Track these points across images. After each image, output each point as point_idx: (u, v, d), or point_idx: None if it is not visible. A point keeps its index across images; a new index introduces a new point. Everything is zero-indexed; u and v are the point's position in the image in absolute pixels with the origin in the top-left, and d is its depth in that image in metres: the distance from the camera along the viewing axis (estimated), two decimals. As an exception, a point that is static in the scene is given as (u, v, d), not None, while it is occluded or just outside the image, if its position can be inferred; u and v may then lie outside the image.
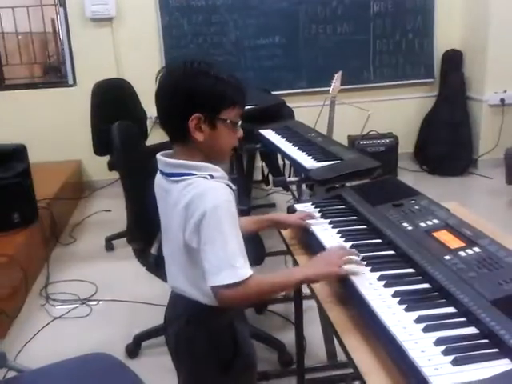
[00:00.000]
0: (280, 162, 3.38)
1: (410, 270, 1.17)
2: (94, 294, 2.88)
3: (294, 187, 2.97)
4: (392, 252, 1.27)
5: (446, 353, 0.88)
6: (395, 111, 4.69)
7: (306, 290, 1.43)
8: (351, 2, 4.47)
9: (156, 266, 2.04)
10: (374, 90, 4.66)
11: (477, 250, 1.16)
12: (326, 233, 1.44)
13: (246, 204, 3.21)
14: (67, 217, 3.99)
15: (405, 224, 1.35)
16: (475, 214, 1.68)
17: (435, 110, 4.68)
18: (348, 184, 1.85)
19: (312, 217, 1.53)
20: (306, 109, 4.24)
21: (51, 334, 2.55)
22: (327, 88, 3.37)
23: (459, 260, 1.13)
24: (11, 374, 2.09)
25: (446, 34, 4.59)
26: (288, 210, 1.68)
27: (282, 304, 2.65)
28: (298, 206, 1.66)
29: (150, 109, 4.26)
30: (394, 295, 1.07)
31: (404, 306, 1.03)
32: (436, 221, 1.33)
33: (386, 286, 1.11)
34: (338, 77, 3.31)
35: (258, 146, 2.86)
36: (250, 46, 4.53)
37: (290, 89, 4.55)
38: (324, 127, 3.30)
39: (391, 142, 4.48)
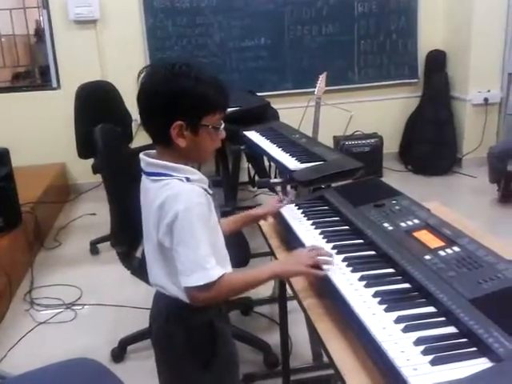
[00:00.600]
0: (266, 163, 3.38)
1: (391, 270, 1.17)
2: (79, 298, 2.85)
3: (279, 188, 2.97)
4: (373, 252, 1.28)
5: (425, 352, 0.89)
6: (380, 111, 4.71)
7: (290, 291, 1.44)
8: (336, 3, 4.48)
9: (140, 270, 2.03)
10: (359, 90, 4.68)
11: (456, 249, 1.17)
12: (309, 234, 1.45)
13: (231, 205, 3.21)
14: (52, 220, 3.95)
15: (386, 224, 1.36)
16: (457, 213, 1.69)
17: (419, 109, 4.71)
18: (334, 185, 1.86)
19: (285, 197, 1.62)
20: (291, 110, 4.24)
21: (36, 340, 2.52)
22: (312, 89, 3.37)
23: (439, 259, 1.14)
24: (-6, 380, 2.06)
25: (430, 35, 4.63)
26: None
27: (268, 305, 2.65)
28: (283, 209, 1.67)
29: (135, 111, 4.23)
30: (375, 295, 1.07)
31: (384, 306, 1.03)
32: (416, 221, 1.34)
33: (366, 286, 1.11)
34: (322, 78, 3.31)
35: (242, 147, 2.86)
36: (235, 48, 4.52)
37: (275, 90, 4.55)
38: (309, 128, 3.31)
39: (376, 142, 4.51)
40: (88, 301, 2.82)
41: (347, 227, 1.46)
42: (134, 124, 3.92)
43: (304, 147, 2.26)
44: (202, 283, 1.12)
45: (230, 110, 1.29)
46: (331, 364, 1.04)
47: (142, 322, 2.23)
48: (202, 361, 1.27)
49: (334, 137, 4.60)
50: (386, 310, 1.01)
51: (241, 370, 1.48)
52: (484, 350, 0.88)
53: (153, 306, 1.36)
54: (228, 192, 3.45)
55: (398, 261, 1.17)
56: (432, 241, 1.22)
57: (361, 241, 1.35)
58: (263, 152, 2.43)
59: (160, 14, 4.38)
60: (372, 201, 1.52)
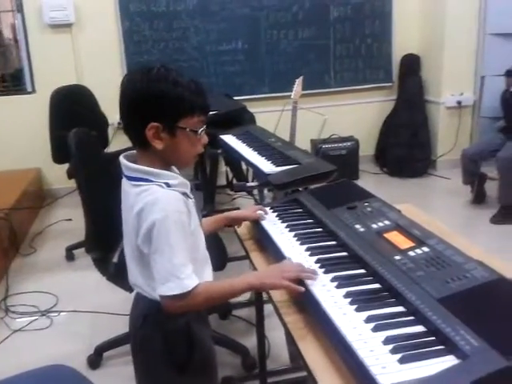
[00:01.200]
0: (244, 167, 3.39)
1: (362, 271, 1.19)
2: (55, 305, 2.81)
3: (256, 192, 2.98)
4: (345, 254, 1.30)
5: (393, 351, 0.91)
6: (356, 115, 4.77)
7: (266, 295, 1.45)
8: (311, 8, 4.52)
9: (116, 276, 2.02)
10: (335, 94, 4.73)
11: (425, 249, 1.19)
12: (283, 236, 1.46)
13: (209, 209, 3.22)
14: (27, 227, 3.89)
15: (357, 226, 1.38)
16: (428, 214, 1.72)
17: (394, 113, 4.78)
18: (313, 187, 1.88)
19: (264, 210, 1.60)
20: (268, 114, 4.27)
21: (11, 347, 2.48)
22: (289, 93, 3.40)
23: (408, 260, 1.16)
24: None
25: (404, 39, 4.71)
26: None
27: (247, 309, 2.65)
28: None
29: (112, 115, 4.21)
30: (346, 296, 1.09)
31: (355, 306, 1.05)
32: (387, 222, 1.36)
33: (338, 287, 1.13)
34: (299, 82, 3.34)
35: (219, 151, 2.87)
36: (212, 52, 4.53)
37: (252, 94, 4.57)
38: (286, 132, 3.34)
39: (352, 145, 4.56)
40: (64, 307, 2.79)
41: (320, 229, 1.47)
42: (110, 128, 3.90)
43: (279, 151, 2.28)
44: (175, 293, 1.12)
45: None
46: (304, 365, 1.05)
47: (118, 328, 2.22)
48: (179, 364, 1.27)
49: (312, 140, 4.64)
50: (357, 310, 1.03)
51: (219, 374, 1.48)
52: (451, 348, 0.90)
53: (132, 308, 1.36)
54: (206, 195, 3.45)
55: (368, 262, 1.19)
56: (402, 241, 1.24)
57: (333, 242, 1.37)
58: (239, 156, 2.44)
59: (136, 18, 4.36)
60: (345, 203, 1.54)
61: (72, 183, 3.58)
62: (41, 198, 4.46)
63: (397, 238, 1.27)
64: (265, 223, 1.56)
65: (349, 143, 4.56)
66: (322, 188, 1.82)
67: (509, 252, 3.15)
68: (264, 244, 1.52)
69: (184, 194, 1.21)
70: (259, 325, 1.98)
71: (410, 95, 4.68)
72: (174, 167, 1.26)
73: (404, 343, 0.92)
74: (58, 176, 4.15)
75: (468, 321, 0.92)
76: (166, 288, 1.13)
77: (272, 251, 1.43)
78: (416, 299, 1.01)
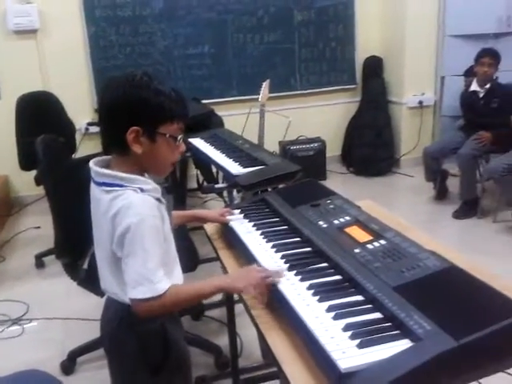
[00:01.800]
0: (214, 169, 3.42)
1: (324, 265, 1.26)
2: (26, 313, 2.79)
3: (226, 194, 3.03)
4: (309, 249, 1.36)
5: (352, 337, 0.97)
6: (322, 116, 4.87)
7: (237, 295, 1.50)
8: (276, 12, 4.60)
9: (87, 280, 2.04)
10: (301, 96, 4.82)
11: (383, 242, 1.26)
12: (250, 235, 1.51)
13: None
14: (-5, 235, 3.84)
15: (320, 222, 1.45)
16: (393, 211, 1.80)
17: (359, 114, 4.90)
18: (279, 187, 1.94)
19: (231, 213, 1.65)
20: (236, 116, 4.31)
21: (-19, 357, 2.46)
22: (256, 96, 3.46)
23: (367, 252, 1.23)
24: None
25: (367, 42, 4.83)
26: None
27: (219, 309, 2.69)
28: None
29: (79, 121, 4.20)
30: (309, 288, 1.15)
31: (317, 297, 1.11)
32: (348, 218, 1.43)
33: (301, 280, 1.19)
34: (266, 85, 3.40)
35: (188, 154, 2.90)
36: (179, 56, 4.55)
37: (220, 97, 4.62)
38: (254, 134, 3.39)
39: (319, 146, 4.66)
40: (35, 315, 2.77)
41: (286, 227, 1.53)
42: (77, 134, 3.88)
43: (247, 153, 2.34)
44: (147, 296, 1.14)
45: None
46: (272, 357, 1.10)
47: (91, 333, 2.23)
48: (155, 365, 1.29)
49: (280, 142, 4.71)
50: (319, 301, 1.09)
51: (193, 373, 1.51)
52: (406, 332, 0.96)
53: (104, 312, 1.37)
54: (177, 199, 3.47)
55: (330, 255, 1.26)
56: (361, 235, 1.32)
57: (298, 239, 1.43)
58: (208, 158, 2.49)
59: (102, 23, 4.35)
60: (309, 201, 1.61)
61: (40, 190, 3.57)
62: (8, 206, 4.39)
63: (356, 233, 1.34)
64: (233, 223, 1.61)
65: (316, 144, 4.66)
66: (287, 188, 1.89)
67: (470, 245, 3.31)
68: (232, 243, 1.57)
69: (157, 199, 1.24)
70: (230, 323, 2.03)
71: (374, 96, 4.80)
72: (145, 174, 1.28)
73: (362, 329, 0.99)
74: (25, 183, 4.11)
75: (421, 307, 0.99)
76: (137, 291, 1.15)
77: (240, 249, 1.48)
78: (373, 288, 1.08)
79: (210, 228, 1.72)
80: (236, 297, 1.49)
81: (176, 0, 4.42)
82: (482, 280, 1.05)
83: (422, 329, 0.94)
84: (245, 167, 2.11)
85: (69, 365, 2.33)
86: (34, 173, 3.42)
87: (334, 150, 4.93)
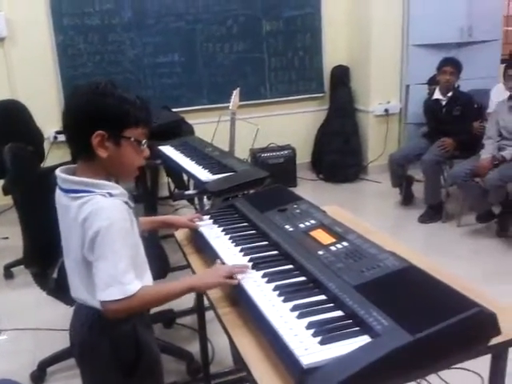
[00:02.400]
0: (185, 177, 3.44)
1: (290, 267, 1.31)
2: (-6, 324, 2.75)
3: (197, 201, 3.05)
4: (276, 252, 1.40)
5: (315, 335, 1.01)
6: (292, 124, 4.94)
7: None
8: (244, 22, 4.66)
9: (57, 290, 2.03)
10: (271, 104, 4.88)
11: (345, 244, 1.32)
12: (219, 240, 1.55)
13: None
14: (-40, 246, 3.75)
15: (287, 226, 1.49)
16: (360, 216, 1.86)
17: (327, 122, 4.99)
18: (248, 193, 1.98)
19: (201, 219, 1.68)
20: (207, 125, 4.34)
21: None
22: (227, 104, 3.50)
23: (330, 254, 1.28)
24: None
25: (334, 51, 4.93)
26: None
27: (190, 316, 2.70)
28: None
29: (47, 129, 4.16)
30: (275, 289, 1.19)
31: (282, 297, 1.15)
32: (313, 221, 1.48)
33: (268, 282, 1.23)
34: (236, 93, 3.45)
35: (158, 162, 2.92)
36: (149, 64, 4.56)
37: (191, 105, 4.64)
38: (224, 142, 3.43)
39: (289, 153, 4.73)
40: (5, 326, 2.73)
41: (254, 231, 1.58)
42: (46, 142, 3.85)
43: (216, 160, 2.38)
44: (118, 297, 1.16)
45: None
46: (239, 358, 1.13)
47: (61, 343, 2.22)
48: (127, 369, 1.30)
49: (251, 149, 4.77)
50: (284, 301, 1.14)
51: (165, 380, 1.52)
52: (365, 329, 1.01)
53: (73, 320, 1.38)
54: (148, 207, 3.48)
55: (296, 257, 1.31)
56: (325, 238, 1.37)
57: (266, 242, 1.48)
58: (178, 166, 2.51)
59: (70, 31, 4.33)
60: (276, 206, 1.66)
61: (8, 200, 3.51)
62: (-26, 217, 4.30)
63: (321, 235, 1.39)
64: (202, 228, 1.64)
65: (286, 151, 4.73)
66: (256, 193, 1.93)
67: (435, 248, 3.41)
68: (202, 248, 1.61)
69: (125, 202, 1.26)
70: (201, 330, 2.05)
71: (341, 104, 4.91)
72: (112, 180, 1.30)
73: (324, 327, 1.03)
74: (-8, 193, 4.03)
75: (380, 304, 1.05)
76: (108, 293, 1.16)
77: (209, 254, 1.52)
78: (335, 288, 1.13)
79: (180, 234, 1.75)
80: (207, 303, 1.52)
81: (145, 9, 4.44)
82: (439, 279, 1.11)
83: (381, 325, 0.99)
84: (214, 174, 2.15)
85: (39, 375, 2.31)
86: (1, 182, 3.37)
87: (303, 157, 5.00)
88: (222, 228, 1.63)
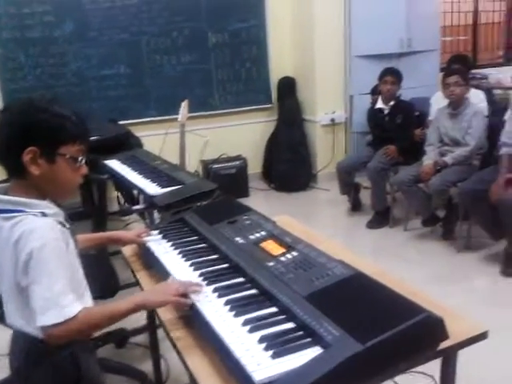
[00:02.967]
0: (135, 191, 3.37)
1: (241, 279, 1.29)
2: None
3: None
4: (226, 265, 1.39)
5: (267, 348, 1.00)
6: (242, 135, 4.95)
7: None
8: (190, 34, 4.63)
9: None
10: (220, 116, 4.87)
11: (295, 253, 1.32)
12: (168, 255, 1.52)
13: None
14: None
15: (237, 238, 1.48)
16: (311, 223, 1.88)
17: (276, 132, 5.03)
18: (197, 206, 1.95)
19: (149, 233, 1.64)
20: (155, 137, 4.31)
21: None
22: (175, 116, 3.47)
23: (280, 265, 1.28)
24: None
25: (280, 63, 4.98)
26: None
27: (143, 335, 2.63)
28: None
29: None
30: (226, 304, 1.17)
31: (233, 312, 1.14)
32: (263, 232, 1.48)
33: (219, 296, 1.21)
34: (184, 105, 3.43)
35: (105, 176, 2.85)
36: (93, 77, 4.46)
37: (138, 118, 4.56)
38: (173, 154, 3.39)
39: (241, 163, 4.73)
40: None
41: (204, 245, 1.56)
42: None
43: (165, 173, 2.34)
44: (56, 321, 1.10)
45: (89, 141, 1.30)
46: (189, 375, 1.10)
47: (2, 371, 2.10)
48: None
49: (202, 161, 4.74)
50: (235, 316, 1.12)
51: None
52: (317, 340, 1.01)
53: (11, 347, 1.30)
54: (96, 224, 3.37)
55: (246, 270, 1.30)
56: (275, 249, 1.37)
57: (216, 256, 1.46)
58: (125, 180, 2.46)
59: (10, 44, 4.19)
60: (226, 218, 1.65)
61: None
62: None
63: (271, 246, 1.39)
64: (150, 243, 1.61)
65: (237, 162, 4.73)
66: (205, 206, 1.91)
67: (383, 253, 3.49)
68: (150, 264, 1.57)
69: (60, 222, 1.21)
70: (153, 348, 2.00)
71: (289, 115, 4.96)
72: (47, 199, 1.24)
73: (276, 340, 1.02)
74: None
75: (330, 314, 1.05)
76: (47, 317, 1.10)
77: (158, 270, 1.48)
78: (286, 299, 1.13)
79: (127, 250, 1.70)
80: (158, 321, 1.48)
81: (87, 21, 4.35)
82: (387, 285, 1.13)
83: (331, 335, 0.99)
84: (163, 187, 2.11)
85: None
86: None
87: (255, 167, 5.02)
88: (171, 243, 1.60)
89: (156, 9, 4.50)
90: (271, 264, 1.29)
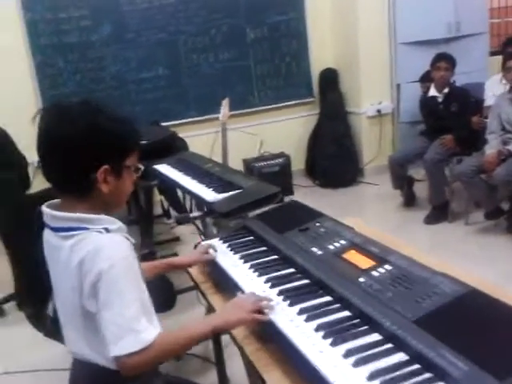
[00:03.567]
0: (180, 193, 3.28)
1: (328, 298, 1.14)
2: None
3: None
4: (307, 281, 1.24)
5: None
6: (284, 131, 4.80)
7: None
8: (228, 30, 4.52)
9: (54, 329, 1.84)
10: (261, 112, 4.74)
11: (388, 267, 1.16)
12: (238, 269, 1.38)
13: (149, 246, 3.06)
14: None
15: (314, 249, 1.33)
16: (376, 227, 1.71)
17: (319, 126, 4.86)
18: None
19: (213, 248, 1.50)
20: (199, 137, 4.21)
21: None
22: (217, 115, 3.36)
23: (374, 281, 1.12)
24: None
25: (321, 55, 4.81)
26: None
27: (200, 345, 2.52)
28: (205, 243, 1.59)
29: (31, 154, 3.95)
30: (317, 329, 1.03)
31: (330, 340, 0.98)
32: (343, 241, 1.32)
33: (307, 320, 1.06)
34: (225, 103, 3.32)
35: (154, 182, 2.76)
36: (132, 80, 4.41)
37: (179, 119, 4.48)
38: (218, 154, 3.28)
39: (284, 161, 4.57)
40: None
41: (276, 256, 1.41)
42: (30, 167, 3.65)
43: (219, 176, 2.21)
44: (132, 350, 0.99)
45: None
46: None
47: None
48: None
49: (244, 160, 4.61)
50: (333, 345, 0.97)
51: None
52: (440, 375, 0.85)
53: (73, 373, 1.20)
54: (143, 231, 3.30)
55: (334, 287, 1.14)
56: (362, 261, 1.21)
57: (292, 270, 1.31)
58: (178, 185, 2.34)
59: (48, 51, 4.17)
60: (296, 225, 1.50)
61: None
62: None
63: (356, 258, 1.23)
64: (218, 257, 1.47)
65: (280, 159, 4.57)
66: (269, 212, 1.75)
67: (444, 250, 3.28)
68: (217, 278, 1.44)
69: (126, 238, 1.10)
70: (219, 361, 1.88)
71: (332, 108, 4.77)
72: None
73: (389, 376, 0.87)
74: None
75: (451, 342, 0.88)
76: (121, 347, 0.99)
77: (228, 286, 1.34)
78: (391, 324, 0.97)
79: (193, 271, 1.56)
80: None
81: (123, 24, 4.29)
82: (509, 304, 0.96)
83: (459, 370, 0.83)
84: (219, 193, 1.98)
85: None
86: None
87: (298, 164, 4.87)
88: (239, 255, 1.46)
89: (193, 8, 4.41)
90: (362, 280, 1.13)
